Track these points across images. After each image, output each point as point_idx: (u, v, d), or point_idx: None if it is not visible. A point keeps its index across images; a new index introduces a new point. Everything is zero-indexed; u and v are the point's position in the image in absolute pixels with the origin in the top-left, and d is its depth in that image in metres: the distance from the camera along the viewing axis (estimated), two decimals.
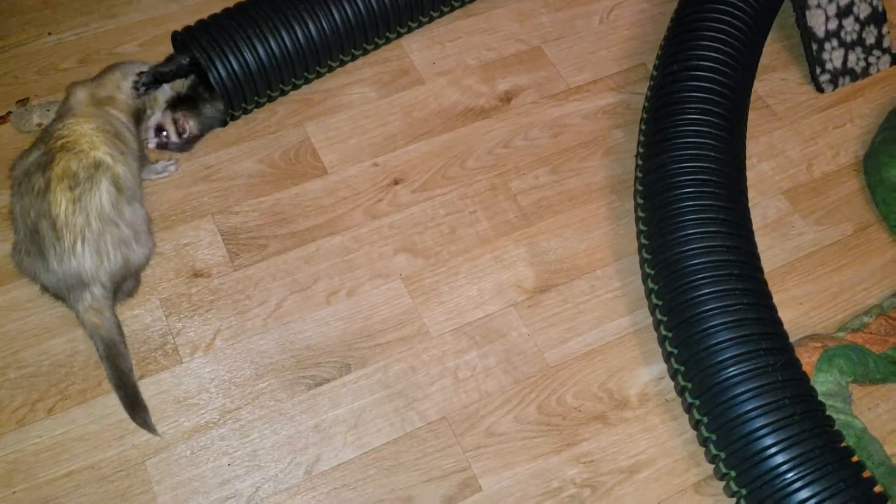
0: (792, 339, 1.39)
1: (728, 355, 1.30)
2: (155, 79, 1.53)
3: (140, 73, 1.52)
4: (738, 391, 1.28)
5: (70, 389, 1.37)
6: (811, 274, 1.59)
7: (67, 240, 1.29)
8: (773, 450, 1.23)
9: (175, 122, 1.56)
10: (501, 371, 1.44)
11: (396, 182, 1.63)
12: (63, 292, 1.33)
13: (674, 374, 1.38)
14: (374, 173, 1.64)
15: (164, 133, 1.56)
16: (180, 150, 1.61)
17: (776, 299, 1.42)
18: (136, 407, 1.32)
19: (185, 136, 1.58)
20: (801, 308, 1.55)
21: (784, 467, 1.22)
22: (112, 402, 1.35)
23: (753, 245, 1.45)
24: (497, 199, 1.63)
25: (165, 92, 1.57)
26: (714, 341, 1.31)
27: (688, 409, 1.36)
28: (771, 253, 1.60)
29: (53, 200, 1.30)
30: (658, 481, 1.36)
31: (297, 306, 1.48)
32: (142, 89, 1.51)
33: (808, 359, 1.40)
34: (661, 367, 1.45)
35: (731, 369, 1.29)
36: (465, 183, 1.64)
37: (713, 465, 1.33)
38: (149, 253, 1.44)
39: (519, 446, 1.37)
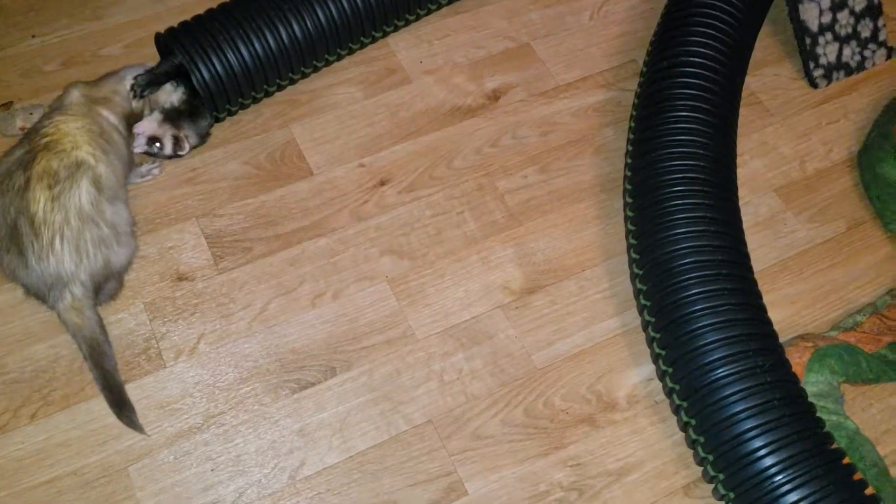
0: (784, 339, 1.37)
1: (716, 356, 1.28)
2: (150, 81, 1.52)
3: (136, 77, 1.51)
4: (726, 393, 1.26)
5: (53, 395, 1.36)
6: (803, 272, 1.57)
7: (45, 237, 1.29)
8: (761, 452, 1.22)
9: (176, 139, 1.53)
10: (488, 373, 1.42)
11: (383, 183, 1.62)
12: (43, 291, 1.32)
13: (662, 376, 1.37)
14: (361, 174, 1.63)
15: (158, 145, 1.52)
16: (168, 159, 1.59)
17: (768, 298, 1.40)
18: (122, 406, 1.31)
19: (181, 152, 1.56)
20: (794, 307, 1.53)
21: (773, 470, 1.20)
22: (95, 408, 1.34)
23: (743, 244, 1.43)
24: (484, 200, 1.61)
25: (165, 94, 1.54)
26: (702, 342, 1.30)
27: (676, 411, 1.34)
28: (763, 251, 1.58)
29: (32, 198, 1.29)
30: (646, 484, 1.34)
31: (281, 309, 1.46)
32: (138, 90, 1.50)
33: (798, 359, 1.38)
34: (649, 368, 1.43)
35: (720, 371, 1.27)
36: (452, 183, 1.62)
37: (702, 468, 1.32)
38: (130, 254, 1.42)
39: (505, 449, 1.35)
